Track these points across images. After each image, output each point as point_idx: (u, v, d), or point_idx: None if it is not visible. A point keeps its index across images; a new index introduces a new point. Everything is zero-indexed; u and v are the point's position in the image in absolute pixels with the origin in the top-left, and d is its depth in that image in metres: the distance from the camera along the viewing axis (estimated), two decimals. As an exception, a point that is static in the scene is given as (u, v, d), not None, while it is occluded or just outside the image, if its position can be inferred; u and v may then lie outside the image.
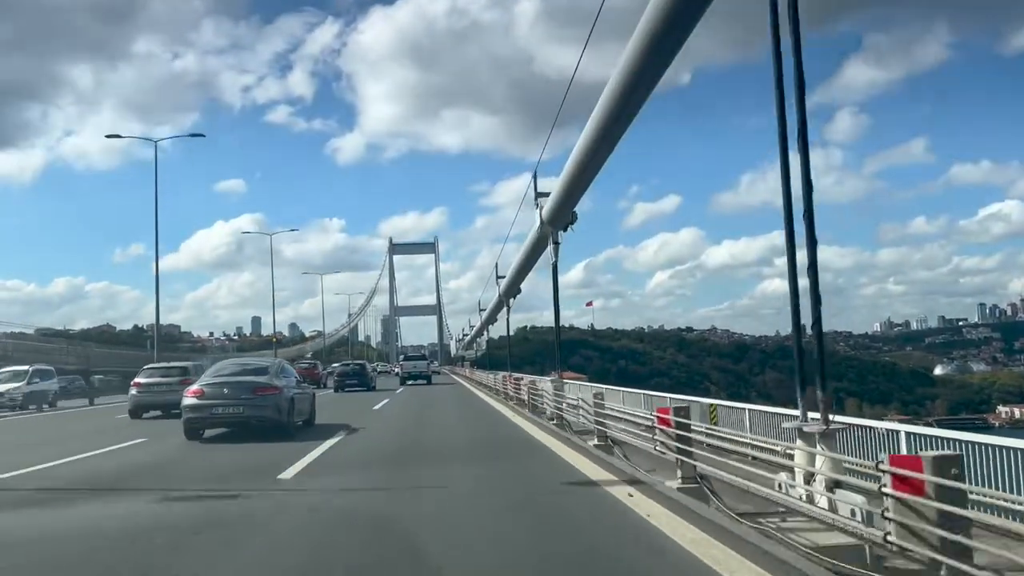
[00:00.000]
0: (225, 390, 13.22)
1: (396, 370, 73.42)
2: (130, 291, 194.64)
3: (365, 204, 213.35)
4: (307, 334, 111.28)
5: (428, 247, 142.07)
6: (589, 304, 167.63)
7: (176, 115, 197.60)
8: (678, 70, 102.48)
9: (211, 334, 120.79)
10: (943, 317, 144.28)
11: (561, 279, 20.92)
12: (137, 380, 20.14)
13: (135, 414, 19.40)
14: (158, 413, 19.31)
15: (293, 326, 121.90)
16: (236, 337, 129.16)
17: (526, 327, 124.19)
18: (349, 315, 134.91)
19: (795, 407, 6.24)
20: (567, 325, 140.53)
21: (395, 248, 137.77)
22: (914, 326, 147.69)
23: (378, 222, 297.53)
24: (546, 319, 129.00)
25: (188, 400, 13.22)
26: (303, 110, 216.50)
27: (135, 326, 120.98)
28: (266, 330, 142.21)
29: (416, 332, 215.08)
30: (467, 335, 77.40)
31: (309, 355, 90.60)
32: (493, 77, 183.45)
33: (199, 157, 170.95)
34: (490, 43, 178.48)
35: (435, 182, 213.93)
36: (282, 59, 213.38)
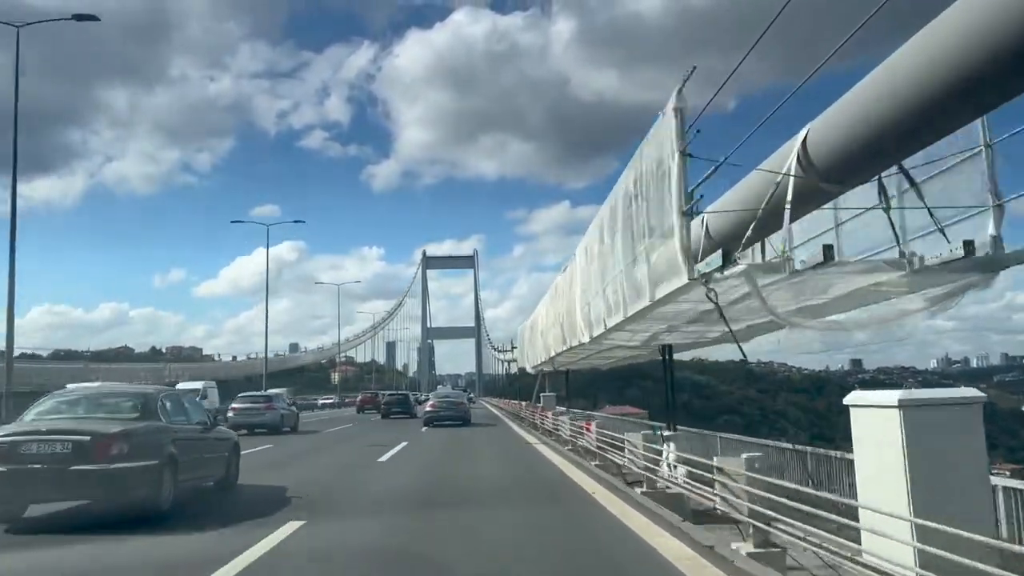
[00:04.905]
0: (444, 403, 32.43)
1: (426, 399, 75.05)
2: (173, 316, 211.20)
3: (401, 231, 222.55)
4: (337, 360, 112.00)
5: (466, 260, 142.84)
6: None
7: (211, 139, 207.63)
8: (724, 95, 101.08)
9: (234, 357, 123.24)
10: (1006, 354, 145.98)
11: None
12: (234, 406, 27.34)
13: None
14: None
15: (335, 354, 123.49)
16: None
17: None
18: (387, 343, 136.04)
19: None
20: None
21: (429, 261, 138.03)
22: (974, 363, 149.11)
23: (414, 249, 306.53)
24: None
25: (427, 408, 32.51)
26: (339, 135, 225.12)
27: (152, 348, 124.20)
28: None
29: (452, 361, 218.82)
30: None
31: (336, 381, 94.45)
32: (529, 101, 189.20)
33: (235, 183, 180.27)
34: (526, 66, 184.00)
35: (472, 209, 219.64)
36: (318, 84, 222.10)
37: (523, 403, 35.90)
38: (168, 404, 9.75)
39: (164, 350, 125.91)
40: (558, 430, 19.49)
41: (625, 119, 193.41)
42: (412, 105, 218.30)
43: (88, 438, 8.23)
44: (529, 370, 29.56)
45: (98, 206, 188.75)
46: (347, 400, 76.66)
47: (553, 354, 19.05)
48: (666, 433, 10.39)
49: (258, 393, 31.94)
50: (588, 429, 14.10)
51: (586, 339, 12.56)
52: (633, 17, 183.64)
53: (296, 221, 53.00)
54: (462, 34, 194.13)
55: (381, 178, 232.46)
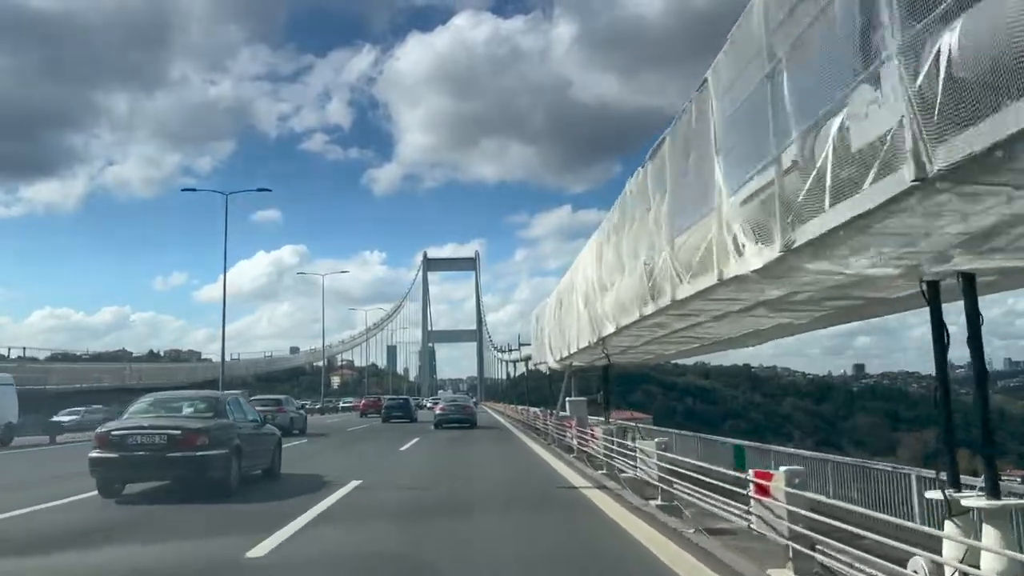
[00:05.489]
0: (452, 407, 35.38)
1: (428, 404, 73.44)
2: (175, 320, 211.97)
3: (403, 235, 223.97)
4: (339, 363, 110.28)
5: (467, 263, 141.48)
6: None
7: (212, 143, 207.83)
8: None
9: (231, 356, 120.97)
10: (1009, 359, 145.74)
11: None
12: None
13: None
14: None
15: (331, 357, 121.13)
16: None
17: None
18: (388, 347, 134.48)
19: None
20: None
21: (430, 264, 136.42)
22: None
23: (415, 253, 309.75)
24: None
25: (437, 411, 35.74)
26: (340, 139, 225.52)
27: (151, 351, 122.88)
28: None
29: (453, 365, 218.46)
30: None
31: (335, 384, 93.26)
32: (530, 105, 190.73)
33: (236, 187, 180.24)
34: (527, 70, 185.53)
35: (473, 213, 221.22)
36: (319, 87, 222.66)
37: (535, 410, 31.31)
38: (232, 406, 12.19)
39: (162, 353, 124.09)
40: (612, 459, 12.45)
41: (627, 123, 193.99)
42: (413, 108, 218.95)
43: (179, 432, 10.60)
44: (553, 365, 21.75)
45: (99, 210, 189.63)
46: (330, 405, 70.48)
47: (612, 330, 11.19)
48: (967, 499, 4.37)
49: (269, 397, 33.06)
50: (766, 491, 6.08)
51: (755, 265, 5.50)
52: (634, 20, 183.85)
53: (260, 189, 51.71)
54: (463, 37, 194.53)
55: (382, 182, 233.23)
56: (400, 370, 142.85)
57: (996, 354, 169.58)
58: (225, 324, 40.24)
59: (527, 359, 44.44)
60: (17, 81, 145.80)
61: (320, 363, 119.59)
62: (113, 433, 10.72)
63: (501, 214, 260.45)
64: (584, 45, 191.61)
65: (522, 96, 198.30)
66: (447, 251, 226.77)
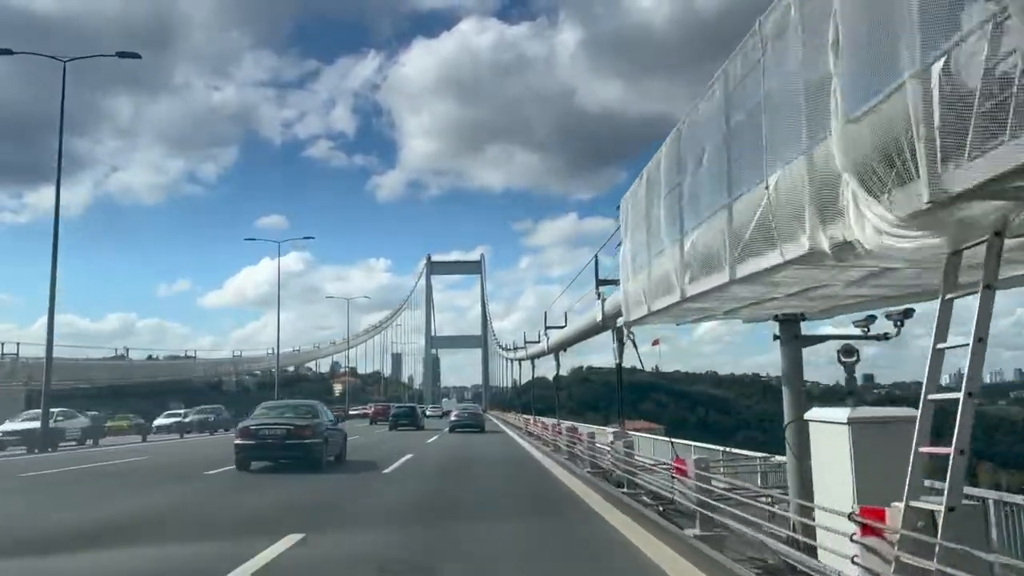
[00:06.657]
0: (465, 414, 42.81)
1: (428, 411, 75.49)
2: (181, 326, 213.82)
3: (407, 242, 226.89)
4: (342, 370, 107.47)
5: (472, 266, 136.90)
6: (656, 343, 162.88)
7: (216, 149, 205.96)
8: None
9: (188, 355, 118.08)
10: (1020, 370, 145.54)
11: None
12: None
13: None
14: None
15: (336, 364, 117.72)
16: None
17: (582, 367, 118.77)
18: (392, 355, 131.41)
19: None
20: (630, 366, 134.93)
21: (434, 267, 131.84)
22: (987, 379, 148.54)
23: (419, 260, 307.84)
24: (606, 361, 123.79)
25: (452, 417, 42.87)
26: (344, 145, 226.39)
27: (149, 356, 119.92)
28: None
29: (457, 373, 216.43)
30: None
31: (337, 392, 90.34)
32: (535, 112, 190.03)
33: (240, 193, 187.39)
34: (532, 76, 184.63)
35: (477, 220, 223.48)
36: (324, 93, 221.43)
37: (611, 434, 15.64)
38: (321, 410, 18.23)
39: (161, 358, 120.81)
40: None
41: (632, 130, 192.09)
42: (418, 115, 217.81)
43: (293, 427, 16.27)
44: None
45: (104, 216, 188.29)
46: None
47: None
48: None
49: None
50: None
51: None
52: (640, 27, 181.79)
53: (121, 54, 30.45)
54: (468, 43, 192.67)
55: (386, 188, 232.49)
56: (405, 378, 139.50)
57: (1007, 365, 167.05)
58: (55, 278, 27.62)
59: (567, 343, 28.37)
60: (19, 86, 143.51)
61: (311, 365, 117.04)
62: (250, 427, 16.26)
63: (506, 221, 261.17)
64: (589, 51, 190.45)
65: (527, 103, 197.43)
66: (452, 259, 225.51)
